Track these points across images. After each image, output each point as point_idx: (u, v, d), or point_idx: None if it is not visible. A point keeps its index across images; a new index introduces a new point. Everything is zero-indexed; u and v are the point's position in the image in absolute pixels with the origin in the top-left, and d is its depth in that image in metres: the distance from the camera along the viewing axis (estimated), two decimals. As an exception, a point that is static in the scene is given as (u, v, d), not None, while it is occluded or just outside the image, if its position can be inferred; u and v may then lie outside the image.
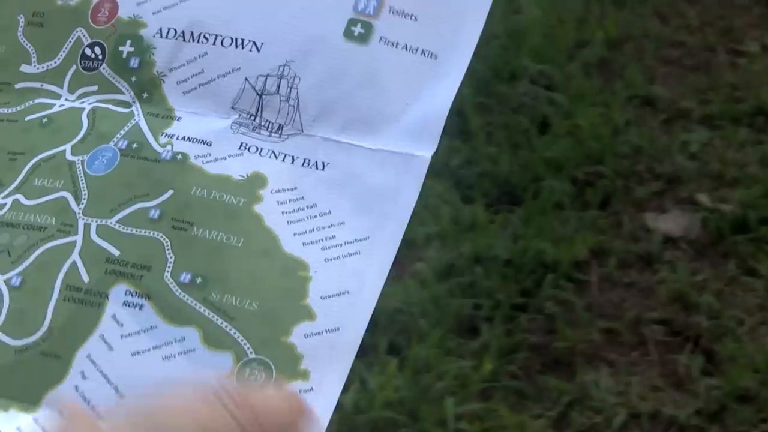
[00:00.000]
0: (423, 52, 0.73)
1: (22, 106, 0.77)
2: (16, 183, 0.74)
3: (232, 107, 0.74)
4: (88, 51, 0.77)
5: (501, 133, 2.14)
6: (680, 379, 1.79)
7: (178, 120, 0.74)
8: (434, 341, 1.79)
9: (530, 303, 1.88)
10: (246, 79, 0.74)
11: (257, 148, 0.73)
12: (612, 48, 2.36)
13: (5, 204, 0.74)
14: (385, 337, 1.77)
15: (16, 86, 0.78)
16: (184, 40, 0.75)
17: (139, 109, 0.75)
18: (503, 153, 2.10)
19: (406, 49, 0.73)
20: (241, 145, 0.73)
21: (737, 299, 1.91)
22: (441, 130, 0.72)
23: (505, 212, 2.01)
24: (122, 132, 0.74)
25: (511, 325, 1.84)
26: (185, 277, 0.69)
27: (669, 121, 2.22)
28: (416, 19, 0.73)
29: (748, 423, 1.73)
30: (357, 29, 0.73)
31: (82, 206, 0.72)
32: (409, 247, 1.92)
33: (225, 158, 0.72)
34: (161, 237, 0.70)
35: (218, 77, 0.74)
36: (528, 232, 1.97)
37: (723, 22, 2.45)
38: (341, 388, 0.67)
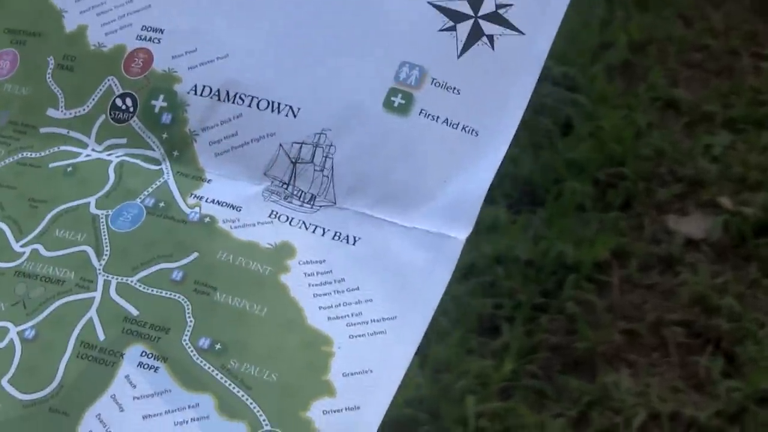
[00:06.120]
0: (464, 128, 0.70)
1: (46, 152, 0.75)
2: (36, 232, 0.72)
3: (265, 173, 0.71)
4: (119, 101, 0.74)
5: (523, 134, 2.15)
6: (700, 380, 1.79)
7: (208, 182, 0.72)
8: (455, 340, 1.79)
9: (551, 303, 1.88)
10: (280, 145, 0.71)
11: (288, 218, 0.70)
12: (635, 51, 2.36)
13: (23, 253, 0.72)
14: (406, 336, 1.78)
15: (41, 130, 0.76)
16: (219, 99, 0.72)
17: (169, 167, 0.73)
18: (525, 154, 2.10)
19: (447, 124, 0.70)
20: (271, 213, 0.70)
21: (758, 302, 1.91)
22: (477, 212, 0.69)
23: (527, 213, 2.01)
24: (150, 189, 0.72)
25: (532, 325, 1.85)
26: (204, 343, 0.67)
27: (692, 124, 2.22)
28: (459, 93, 0.70)
29: (768, 425, 1.73)
30: (397, 100, 0.70)
31: (103, 262, 0.70)
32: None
33: (254, 225, 0.70)
34: (182, 299, 0.68)
35: (252, 141, 0.71)
36: (549, 232, 1.97)
37: (747, 26, 2.45)
38: None
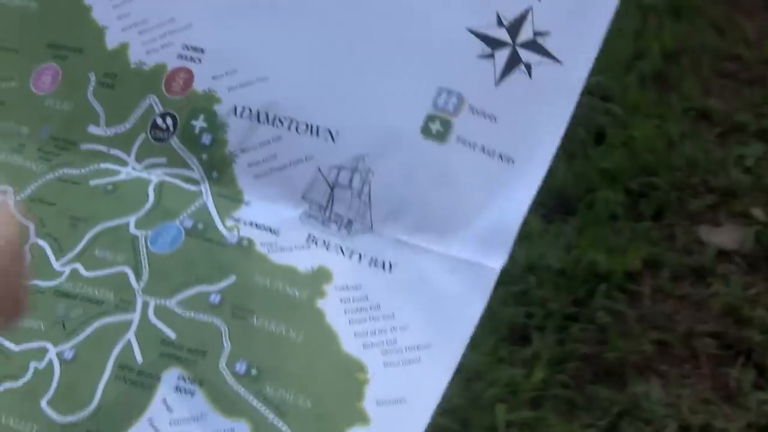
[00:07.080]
0: (500, 156, 0.69)
1: (87, 169, 0.75)
2: (76, 251, 0.72)
3: (303, 197, 0.71)
4: (159, 121, 0.74)
5: (556, 143, 2.15)
6: (731, 392, 1.79)
7: (246, 204, 0.72)
8: (486, 349, 1.80)
9: (582, 313, 1.88)
10: (319, 169, 0.71)
11: (325, 242, 0.70)
12: (668, 60, 2.36)
13: (63, 272, 0.72)
14: (437, 344, 1.78)
15: (82, 147, 0.76)
16: (258, 121, 0.72)
17: (208, 188, 0.73)
18: (559, 162, 2.10)
19: (483, 152, 0.69)
20: (309, 237, 0.70)
21: (790, 314, 1.91)
22: (513, 240, 0.69)
23: (560, 222, 2.01)
24: (189, 210, 0.72)
25: (563, 334, 1.85)
26: (240, 367, 0.67)
27: (724, 135, 2.22)
28: (496, 121, 0.69)
29: (799, 438, 1.72)
30: (435, 126, 0.69)
31: (142, 284, 0.70)
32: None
33: (291, 249, 0.70)
34: (220, 323, 0.68)
35: (291, 164, 0.71)
36: (582, 242, 1.97)
37: (781, 36, 2.44)
38: None
